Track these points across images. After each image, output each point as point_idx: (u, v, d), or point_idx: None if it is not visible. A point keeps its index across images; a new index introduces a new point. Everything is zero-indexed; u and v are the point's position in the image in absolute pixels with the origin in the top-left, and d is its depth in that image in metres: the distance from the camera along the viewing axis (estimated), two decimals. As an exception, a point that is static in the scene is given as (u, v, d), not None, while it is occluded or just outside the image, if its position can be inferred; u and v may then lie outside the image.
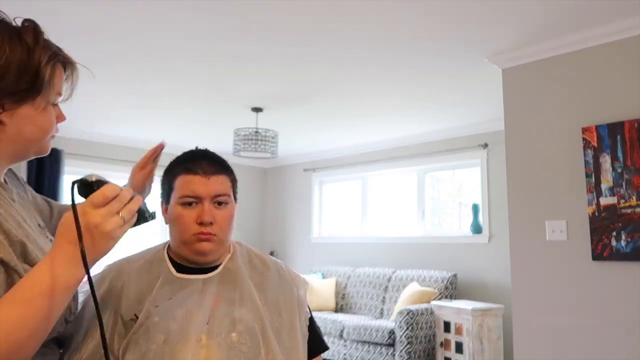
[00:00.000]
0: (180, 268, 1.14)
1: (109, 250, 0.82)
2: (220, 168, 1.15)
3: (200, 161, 1.13)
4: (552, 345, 2.88)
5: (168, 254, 1.17)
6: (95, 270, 0.96)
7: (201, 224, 1.10)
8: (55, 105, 0.99)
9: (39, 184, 5.13)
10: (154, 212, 0.95)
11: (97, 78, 3.79)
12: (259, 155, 4.68)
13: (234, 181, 1.20)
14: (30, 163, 5.11)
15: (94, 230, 0.79)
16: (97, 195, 0.80)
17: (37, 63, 0.91)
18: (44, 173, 5.15)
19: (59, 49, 0.97)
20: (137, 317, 1.05)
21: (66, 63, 0.99)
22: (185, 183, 1.11)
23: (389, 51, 3.25)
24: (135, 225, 0.88)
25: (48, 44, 0.95)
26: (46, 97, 0.95)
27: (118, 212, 0.81)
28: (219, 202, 1.13)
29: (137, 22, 2.88)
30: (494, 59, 3.27)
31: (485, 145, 5.09)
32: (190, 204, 1.11)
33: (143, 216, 0.89)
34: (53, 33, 1.01)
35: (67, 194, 5.29)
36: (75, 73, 1.02)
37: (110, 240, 0.81)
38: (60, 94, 0.99)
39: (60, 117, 1.01)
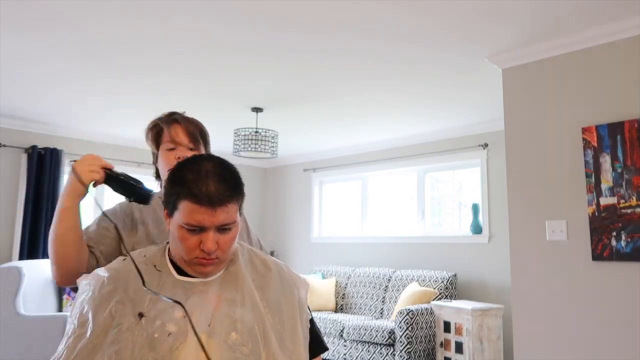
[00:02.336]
0: (181, 270, 1.14)
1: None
2: (228, 196, 1.07)
3: (207, 185, 1.05)
4: (552, 345, 2.88)
5: (169, 255, 1.16)
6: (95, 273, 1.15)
7: (203, 250, 1.08)
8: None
9: (39, 183, 5.12)
10: (142, 190, 1.31)
11: (97, 78, 3.79)
12: (258, 155, 4.68)
13: (241, 200, 1.13)
14: (30, 162, 5.11)
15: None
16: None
17: None
18: (44, 173, 5.14)
19: None
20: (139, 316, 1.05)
21: None
22: (190, 212, 1.05)
23: (389, 51, 3.25)
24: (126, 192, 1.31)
25: None
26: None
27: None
28: (224, 228, 1.10)
29: (137, 23, 2.88)
30: (494, 59, 3.27)
31: (485, 145, 5.09)
32: (193, 230, 1.08)
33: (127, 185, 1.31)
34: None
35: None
36: None
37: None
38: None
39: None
